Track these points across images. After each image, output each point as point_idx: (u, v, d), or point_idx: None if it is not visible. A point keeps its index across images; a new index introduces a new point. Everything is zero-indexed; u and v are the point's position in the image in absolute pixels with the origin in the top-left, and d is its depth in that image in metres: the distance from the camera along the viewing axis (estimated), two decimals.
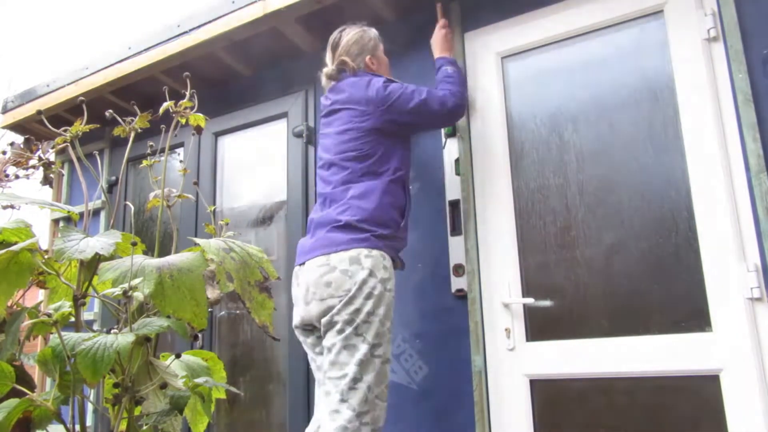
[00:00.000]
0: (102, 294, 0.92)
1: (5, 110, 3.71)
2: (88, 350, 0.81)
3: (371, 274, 1.90)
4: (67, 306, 0.99)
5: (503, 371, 2.20)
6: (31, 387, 1.06)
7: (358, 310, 1.86)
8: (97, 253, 0.83)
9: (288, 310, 2.72)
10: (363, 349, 1.84)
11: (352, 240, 1.94)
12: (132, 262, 0.83)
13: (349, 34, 2.33)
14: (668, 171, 2.05)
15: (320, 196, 2.18)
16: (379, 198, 2.03)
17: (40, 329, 1.04)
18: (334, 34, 2.37)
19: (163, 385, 0.92)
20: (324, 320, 1.91)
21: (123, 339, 0.83)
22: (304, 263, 2.02)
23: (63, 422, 0.94)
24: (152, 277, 0.82)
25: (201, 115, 1.07)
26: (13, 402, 0.90)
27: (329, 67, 2.32)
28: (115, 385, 0.93)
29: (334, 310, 1.88)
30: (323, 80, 2.34)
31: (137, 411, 0.96)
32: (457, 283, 2.34)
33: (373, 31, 2.38)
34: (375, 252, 1.94)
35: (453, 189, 2.44)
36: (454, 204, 2.42)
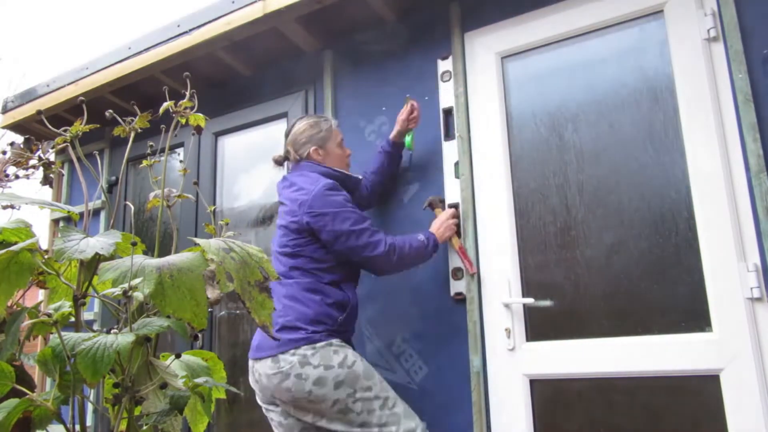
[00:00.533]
0: (102, 294, 0.92)
1: (5, 110, 3.71)
2: (88, 350, 0.81)
3: (326, 367, 1.94)
4: (67, 306, 0.99)
5: (503, 371, 2.20)
6: (31, 387, 1.06)
7: (336, 401, 1.93)
8: (97, 253, 0.83)
9: None
10: (373, 419, 1.95)
11: (291, 341, 1.97)
12: (132, 262, 0.83)
13: (300, 124, 2.35)
14: (668, 171, 2.05)
15: None
16: (310, 298, 2.04)
17: (40, 329, 1.04)
18: (291, 123, 2.42)
19: (163, 385, 0.92)
20: (312, 421, 1.99)
21: (123, 339, 0.83)
22: (257, 359, 2.04)
23: (63, 422, 0.94)
24: (152, 277, 0.82)
25: (201, 115, 1.07)
26: (12, 402, 0.90)
27: (276, 155, 2.42)
28: (115, 385, 0.93)
29: (312, 414, 1.97)
30: (273, 164, 2.43)
31: (137, 411, 0.96)
32: (456, 286, 2.35)
33: (328, 123, 2.36)
34: (318, 345, 1.97)
35: (452, 190, 2.44)
36: (454, 207, 2.41)
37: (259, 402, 2.15)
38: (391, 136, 2.48)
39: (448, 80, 2.54)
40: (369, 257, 2.07)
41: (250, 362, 2.09)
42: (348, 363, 1.98)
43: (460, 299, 2.33)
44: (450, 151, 2.48)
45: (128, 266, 0.83)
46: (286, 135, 2.38)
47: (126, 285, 0.82)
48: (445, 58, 2.57)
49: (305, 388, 1.92)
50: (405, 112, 2.45)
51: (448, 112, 2.53)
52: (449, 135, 2.50)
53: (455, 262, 2.36)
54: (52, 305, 1.04)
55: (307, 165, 2.27)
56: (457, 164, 2.44)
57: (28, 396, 0.92)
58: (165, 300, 0.83)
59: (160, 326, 0.88)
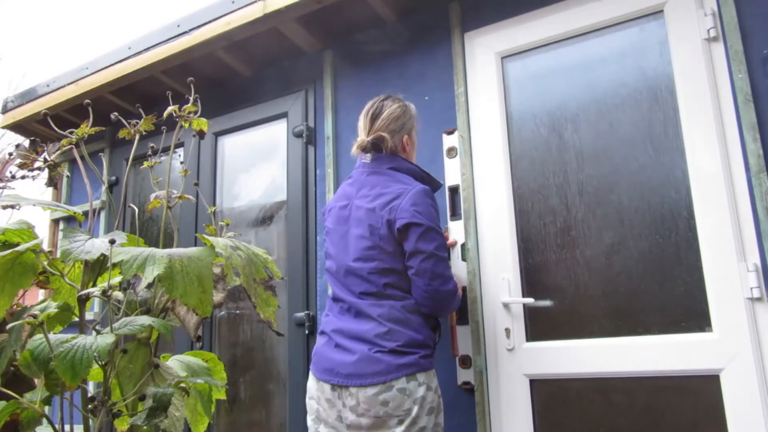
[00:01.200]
0: (105, 287, 0.91)
1: (5, 110, 3.71)
2: (66, 353, 0.80)
3: (428, 388, 1.81)
4: (53, 307, 0.99)
5: (503, 371, 2.20)
6: (31, 387, 1.06)
7: (423, 428, 1.77)
8: (102, 254, 0.84)
9: (288, 309, 2.73)
10: None
11: (402, 366, 1.79)
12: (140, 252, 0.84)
13: (391, 107, 2.07)
14: (668, 171, 2.06)
15: (337, 301, 1.98)
16: (418, 321, 1.87)
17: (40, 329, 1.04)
18: (375, 103, 2.10)
19: (142, 397, 0.91)
20: None
21: (102, 340, 0.83)
22: (346, 386, 1.83)
23: (52, 424, 0.94)
24: (163, 261, 0.83)
25: (204, 119, 1.07)
26: None
27: (363, 138, 2.04)
28: (90, 399, 0.92)
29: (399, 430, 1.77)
30: (353, 149, 2.08)
31: (123, 424, 0.96)
32: (464, 375, 2.28)
33: (413, 109, 2.15)
34: (428, 371, 1.84)
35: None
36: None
37: (317, 426, 1.93)
38: None
39: (455, 157, 2.45)
40: (436, 289, 1.86)
41: (330, 386, 1.87)
42: (439, 391, 1.87)
43: (468, 389, 2.27)
44: (457, 229, 2.40)
45: (140, 251, 0.83)
46: (373, 117, 2.06)
47: (130, 272, 0.82)
48: (450, 132, 2.49)
49: (405, 404, 1.76)
50: None
51: (454, 191, 2.43)
52: (456, 214, 2.41)
53: (464, 349, 2.28)
54: (38, 306, 1.03)
55: (392, 159, 2.01)
56: (464, 246, 2.35)
57: (15, 398, 0.91)
58: (173, 284, 0.83)
59: (141, 325, 0.88)
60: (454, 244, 2.34)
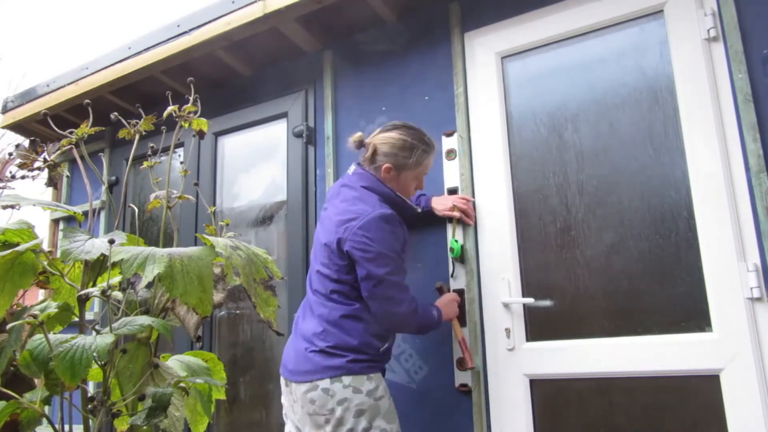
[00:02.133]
0: (105, 287, 0.92)
1: (5, 110, 3.71)
2: (65, 353, 0.80)
3: (355, 390, 1.86)
4: (53, 307, 0.99)
5: (503, 371, 2.20)
6: (31, 387, 1.06)
7: (351, 430, 1.83)
8: (102, 254, 0.84)
9: (288, 309, 2.73)
10: None
11: (329, 368, 1.88)
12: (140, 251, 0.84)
13: (399, 133, 2.12)
14: (668, 171, 2.06)
15: (307, 296, 2.11)
16: (353, 327, 1.93)
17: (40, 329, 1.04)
18: (394, 123, 2.18)
19: (141, 397, 0.91)
20: None
21: (102, 340, 0.83)
22: (296, 382, 1.95)
23: (52, 424, 0.94)
24: (163, 260, 0.83)
25: (204, 119, 1.07)
26: None
27: (359, 134, 2.14)
28: (90, 399, 0.92)
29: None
30: (349, 141, 2.17)
31: (123, 424, 0.96)
32: (461, 377, 2.27)
33: (426, 155, 2.14)
34: (356, 376, 1.89)
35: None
36: (452, 192, 2.41)
37: (286, 420, 2.09)
38: (433, 203, 2.34)
39: (454, 159, 2.45)
40: (389, 311, 1.92)
41: (284, 380, 2.01)
42: (376, 395, 1.89)
43: (465, 391, 2.26)
44: (457, 235, 2.38)
45: (140, 250, 0.83)
46: (382, 130, 2.15)
47: (129, 272, 0.82)
48: (449, 134, 2.48)
49: (328, 404, 1.85)
50: (461, 203, 2.31)
51: (452, 193, 2.43)
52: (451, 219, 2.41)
53: (460, 352, 2.27)
54: (38, 306, 1.03)
55: (370, 179, 2.07)
56: (463, 247, 2.34)
57: (15, 398, 0.91)
58: (174, 283, 0.83)
59: (141, 325, 0.88)
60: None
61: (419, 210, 2.26)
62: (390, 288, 1.91)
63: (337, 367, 1.87)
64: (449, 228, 2.39)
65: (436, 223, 2.41)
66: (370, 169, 2.11)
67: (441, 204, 2.34)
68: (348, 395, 1.84)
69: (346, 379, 1.86)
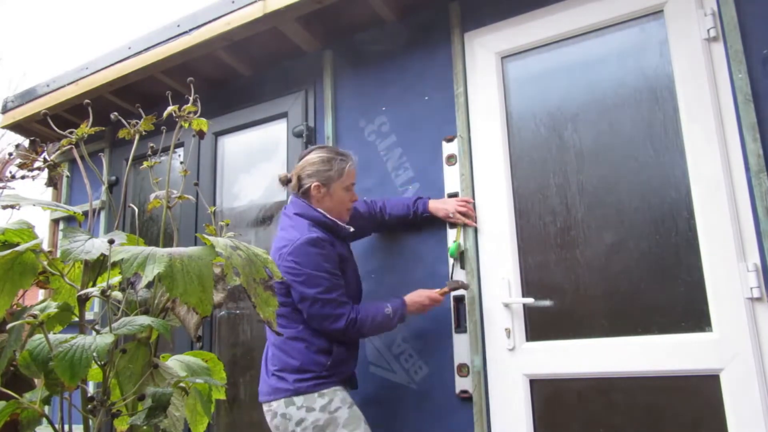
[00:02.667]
0: (104, 287, 0.91)
1: (5, 110, 3.71)
2: (65, 353, 0.80)
3: (308, 409, 1.98)
4: (53, 307, 0.99)
5: (503, 371, 2.20)
6: (31, 387, 1.06)
7: None
8: (102, 254, 0.84)
9: None
10: None
11: (279, 390, 2.03)
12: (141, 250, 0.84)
13: (313, 154, 2.23)
14: (668, 171, 2.06)
15: None
16: (293, 347, 2.05)
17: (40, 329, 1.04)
18: (309, 149, 2.32)
19: (141, 397, 0.91)
20: None
21: (101, 340, 0.83)
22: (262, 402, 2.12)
23: (52, 424, 0.94)
24: (163, 260, 0.83)
25: (204, 119, 1.07)
26: None
27: (283, 173, 2.30)
28: (89, 399, 0.92)
29: None
30: (279, 182, 2.32)
31: (123, 424, 0.96)
32: (461, 383, 2.28)
33: (344, 163, 2.22)
34: (304, 395, 2.00)
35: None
36: (453, 197, 2.41)
37: None
38: (431, 206, 2.37)
39: (454, 164, 2.45)
40: (327, 329, 2.03)
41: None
42: (330, 408, 1.99)
43: (466, 397, 2.26)
44: (451, 237, 2.39)
45: (140, 250, 0.83)
46: (299, 158, 2.28)
47: (129, 271, 0.82)
48: (450, 140, 2.48)
49: (288, 428, 1.99)
50: (460, 206, 2.34)
51: (453, 197, 2.42)
52: (454, 225, 2.40)
53: (461, 357, 2.28)
54: (38, 306, 1.03)
55: (301, 205, 2.17)
56: (462, 253, 2.35)
57: (15, 398, 0.91)
58: (174, 283, 0.83)
59: (141, 325, 0.88)
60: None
61: (352, 229, 2.24)
62: (325, 306, 2.01)
63: (285, 390, 2.01)
64: (449, 232, 2.39)
65: (436, 223, 2.41)
66: (300, 196, 2.21)
67: (441, 209, 2.36)
68: (303, 415, 1.97)
69: (298, 400, 1.99)
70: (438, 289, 2.23)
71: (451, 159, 2.46)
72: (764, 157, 1.89)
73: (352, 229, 2.25)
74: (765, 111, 1.92)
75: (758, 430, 1.77)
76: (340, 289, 2.06)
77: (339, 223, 2.19)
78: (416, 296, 2.21)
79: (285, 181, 2.28)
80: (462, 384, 2.26)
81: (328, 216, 2.17)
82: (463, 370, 2.26)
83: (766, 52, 1.96)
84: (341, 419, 1.99)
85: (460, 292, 2.31)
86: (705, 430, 1.87)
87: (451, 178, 2.45)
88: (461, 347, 2.29)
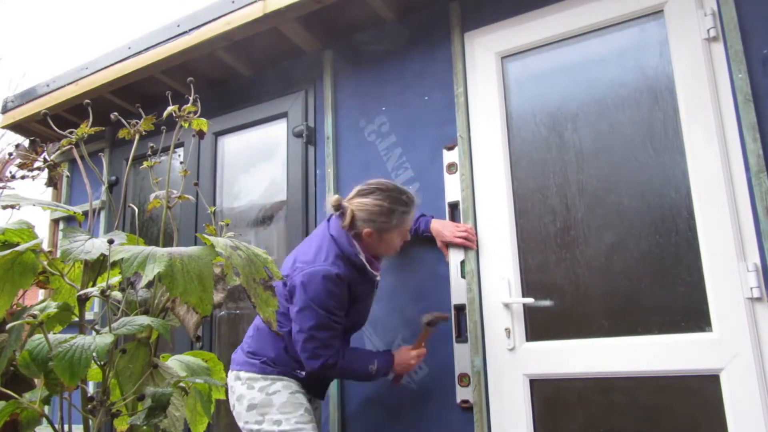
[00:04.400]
0: (104, 287, 0.92)
1: (5, 110, 3.71)
2: (64, 353, 0.80)
3: (248, 387, 2.02)
4: (53, 307, 0.99)
5: (503, 371, 2.20)
6: (31, 386, 1.06)
7: (246, 422, 2.00)
8: (102, 254, 0.84)
9: None
10: None
11: (248, 363, 2.08)
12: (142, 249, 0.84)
13: (374, 198, 2.09)
14: (668, 171, 2.06)
15: None
16: (274, 344, 2.08)
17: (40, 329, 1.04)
18: (371, 184, 2.13)
19: (140, 397, 0.91)
20: None
21: (101, 340, 0.83)
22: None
23: (51, 424, 0.94)
24: (163, 259, 0.83)
25: (204, 119, 1.07)
26: None
27: (336, 197, 2.16)
28: (89, 399, 0.92)
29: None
30: (327, 206, 2.22)
31: (123, 424, 0.96)
32: (462, 393, 2.26)
33: (405, 214, 2.11)
34: (258, 374, 2.05)
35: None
36: (454, 206, 2.41)
37: None
38: (432, 228, 2.35)
39: (455, 173, 2.43)
40: (303, 360, 2.00)
41: None
42: (269, 390, 2.01)
43: (467, 407, 2.25)
44: (456, 253, 2.38)
45: (140, 249, 0.83)
46: (359, 193, 2.12)
47: (129, 272, 0.82)
48: (450, 148, 2.47)
49: (231, 401, 2.05)
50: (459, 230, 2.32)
51: (454, 207, 2.42)
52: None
53: (462, 367, 2.28)
54: (38, 306, 1.03)
55: (342, 236, 2.07)
56: (463, 263, 2.34)
57: (14, 398, 0.91)
58: (174, 282, 0.83)
59: (140, 325, 0.88)
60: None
61: (378, 278, 2.20)
62: (309, 341, 1.98)
63: (250, 365, 2.06)
64: (451, 252, 2.38)
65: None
66: (347, 228, 2.09)
67: (441, 234, 2.34)
68: (243, 391, 2.02)
69: (244, 375, 2.05)
70: (421, 348, 2.20)
71: (452, 167, 2.45)
72: (764, 157, 1.89)
73: (378, 278, 2.18)
74: (765, 111, 1.92)
75: (758, 430, 1.77)
76: (332, 331, 2.00)
77: (368, 268, 2.10)
78: (404, 356, 2.17)
79: (337, 209, 2.14)
80: (463, 394, 2.25)
81: (361, 257, 2.07)
82: (464, 380, 2.25)
83: (766, 52, 1.96)
84: (277, 402, 1.99)
85: (461, 288, 2.31)
86: (705, 430, 1.87)
87: (452, 187, 2.44)
88: (462, 357, 2.28)
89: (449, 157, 2.47)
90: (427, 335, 2.21)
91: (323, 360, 1.98)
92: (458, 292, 2.34)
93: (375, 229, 2.07)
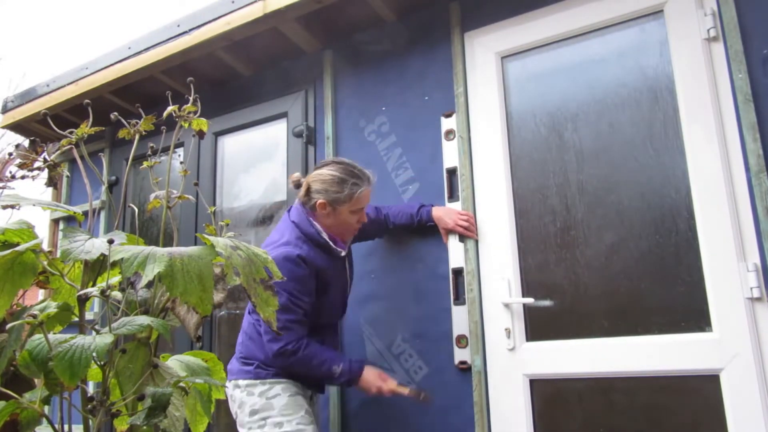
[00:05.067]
0: (104, 287, 0.92)
1: (5, 110, 3.71)
2: (64, 353, 0.80)
3: (249, 393, 2.04)
4: (53, 307, 0.99)
5: (503, 371, 2.20)
6: (31, 386, 1.06)
7: (250, 428, 2.01)
8: (102, 254, 0.84)
9: None
10: None
11: (243, 371, 2.10)
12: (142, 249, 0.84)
13: (328, 169, 2.13)
14: (668, 171, 2.06)
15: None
16: (260, 343, 2.09)
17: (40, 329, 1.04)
18: (327, 160, 2.23)
19: (140, 397, 0.91)
20: None
21: (101, 340, 0.82)
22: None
23: (51, 424, 0.94)
24: (164, 259, 0.83)
25: (204, 119, 1.07)
26: None
27: (296, 175, 2.24)
28: (89, 399, 0.92)
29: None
30: (289, 183, 2.29)
31: (123, 424, 0.96)
32: (460, 354, 2.29)
33: (357, 187, 2.10)
34: (263, 380, 2.06)
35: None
36: (452, 172, 2.43)
37: None
38: (434, 215, 2.36)
39: (452, 139, 2.46)
40: (264, 342, 2.02)
41: None
42: (269, 395, 2.02)
43: (465, 368, 2.27)
44: (449, 152, 2.47)
45: (140, 249, 0.83)
46: (316, 167, 2.19)
47: (129, 272, 0.82)
48: (448, 115, 2.50)
49: (233, 409, 2.08)
50: (462, 219, 2.33)
51: (452, 172, 2.45)
52: (453, 196, 2.43)
53: (460, 329, 2.30)
54: (38, 306, 1.03)
55: (301, 216, 2.12)
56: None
57: (14, 398, 0.91)
58: (174, 282, 0.83)
59: (140, 325, 0.88)
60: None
61: (344, 253, 2.18)
62: (269, 331, 1.99)
63: (246, 372, 2.08)
64: (450, 240, 2.39)
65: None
66: (306, 206, 2.15)
67: (443, 221, 2.36)
68: (244, 398, 2.04)
69: (243, 383, 2.06)
70: (395, 385, 2.10)
71: (450, 134, 2.48)
72: (764, 157, 1.89)
73: (343, 254, 2.18)
74: (765, 111, 1.92)
75: (758, 430, 1.77)
76: (293, 315, 1.98)
77: (332, 246, 2.13)
78: (372, 377, 2.09)
79: (296, 185, 2.21)
80: (461, 355, 2.28)
81: (323, 235, 2.11)
82: (462, 341, 2.28)
83: (766, 52, 1.96)
84: (278, 405, 2.01)
85: (461, 288, 2.31)
86: (705, 430, 1.87)
87: (450, 154, 2.47)
88: (460, 319, 2.31)
89: (447, 124, 2.50)
90: (408, 394, 2.11)
91: (283, 343, 1.97)
92: (456, 256, 2.37)
93: (327, 200, 2.09)
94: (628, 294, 2.06)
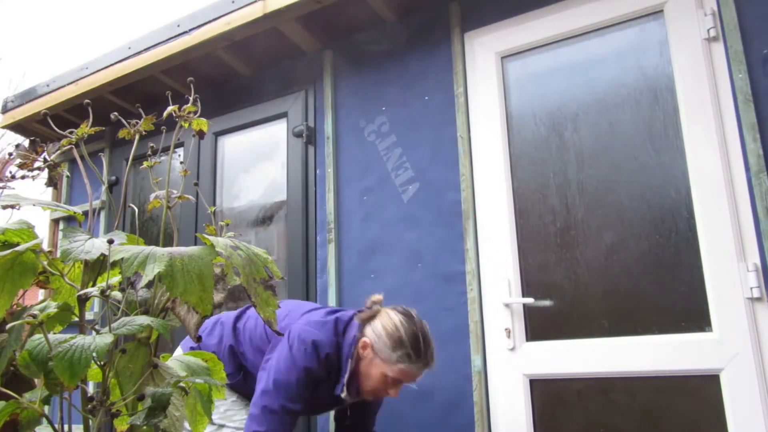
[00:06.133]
0: (104, 287, 0.92)
1: (5, 110, 3.71)
2: (64, 353, 0.80)
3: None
4: (53, 307, 0.99)
5: (503, 371, 2.20)
6: (31, 387, 1.05)
7: None
8: (102, 254, 0.84)
9: None
10: None
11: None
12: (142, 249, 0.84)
13: (400, 320, 1.85)
14: (668, 171, 2.06)
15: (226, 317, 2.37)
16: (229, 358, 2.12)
17: (40, 329, 1.04)
18: (408, 308, 1.93)
19: (140, 397, 0.91)
20: None
21: (101, 340, 0.82)
22: None
23: (51, 424, 0.94)
24: (164, 259, 0.83)
25: (204, 119, 1.07)
26: None
27: (380, 297, 2.00)
28: (89, 399, 0.92)
29: None
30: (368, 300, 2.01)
31: (122, 425, 0.96)
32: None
33: (404, 363, 1.80)
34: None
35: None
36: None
37: None
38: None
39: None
40: (254, 396, 1.85)
41: None
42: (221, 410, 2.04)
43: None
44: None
45: (140, 249, 0.83)
46: (394, 309, 1.92)
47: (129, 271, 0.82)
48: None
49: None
50: None
51: None
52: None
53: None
54: (38, 306, 1.03)
55: (347, 341, 1.87)
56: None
57: (14, 398, 0.91)
58: (174, 282, 0.83)
59: (140, 325, 0.88)
60: None
61: (342, 395, 1.87)
62: (265, 395, 1.80)
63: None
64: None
65: (437, 223, 2.41)
66: (357, 329, 1.90)
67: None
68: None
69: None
70: None
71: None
72: (764, 157, 1.89)
73: (347, 403, 1.94)
74: (765, 111, 1.92)
75: (758, 430, 1.77)
76: (287, 402, 1.79)
77: (342, 379, 1.86)
78: None
79: (371, 304, 1.97)
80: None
81: (346, 374, 1.85)
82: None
83: (766, 52, 1.96)
84: (222, 409, 2.03)
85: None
86: (705, 430, 1.87)
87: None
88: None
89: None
90: None
91: (253, 423, 1.78)
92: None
93: (375, 350, 1.83)
94: (628, 294, 2.06)
